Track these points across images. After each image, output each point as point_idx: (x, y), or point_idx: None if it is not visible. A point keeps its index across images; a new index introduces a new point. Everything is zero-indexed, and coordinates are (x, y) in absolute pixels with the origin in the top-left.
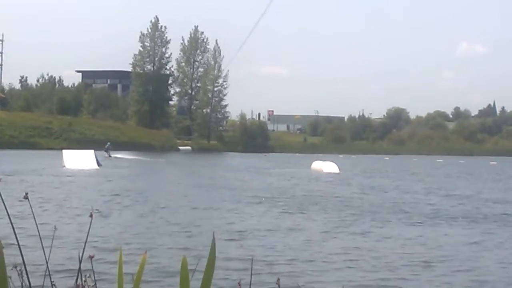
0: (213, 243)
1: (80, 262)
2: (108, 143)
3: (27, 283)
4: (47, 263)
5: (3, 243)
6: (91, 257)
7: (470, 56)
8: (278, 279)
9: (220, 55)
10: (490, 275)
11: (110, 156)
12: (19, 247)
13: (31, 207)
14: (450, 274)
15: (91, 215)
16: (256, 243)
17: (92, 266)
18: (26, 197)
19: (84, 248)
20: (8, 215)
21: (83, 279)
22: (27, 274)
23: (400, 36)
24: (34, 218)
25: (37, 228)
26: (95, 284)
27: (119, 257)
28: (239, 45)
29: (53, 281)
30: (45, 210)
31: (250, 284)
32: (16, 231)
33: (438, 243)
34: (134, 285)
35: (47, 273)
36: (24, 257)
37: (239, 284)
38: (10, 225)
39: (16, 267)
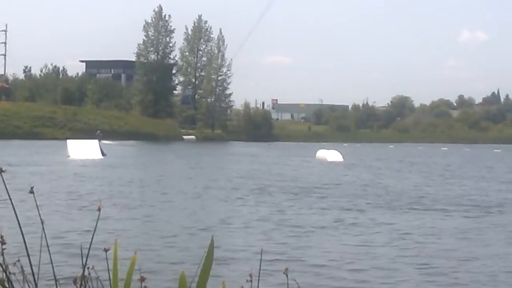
0: (211, 246)
1: (87, 255)
2: (98, 131)
3: (32, 281)
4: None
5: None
6: (85, 246)
7: (472, 44)
8: (286, 269)
9: (224, 44)
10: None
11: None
12: (25, 243)
13: (35, 201)
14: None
15: (99, 209)
16: (261, 236)
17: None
18: (31, 192)
19: (91, 242)
20: (14, 209)
21: (87, 272)
22: (32, 273)
23: (402, 24)
24: (39, 211)
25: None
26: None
27: (114, 250)
28: (245, 36)
29: (57, 278)
30: (47, 202)
31: (259, 275)
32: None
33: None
34: (124, 286)
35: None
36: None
37: (250, 275)
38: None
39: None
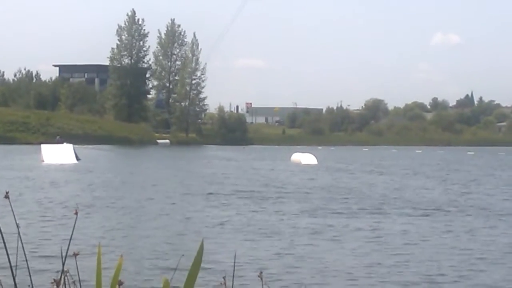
0: (201, 249)
1: (64, 259)
2: (58, 136)
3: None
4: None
5: None
6: (75, 255)
7: (445, 47)
8: (261, 273)
9: (197, 48)
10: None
11: None
12: (6, 249)
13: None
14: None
15: (76, 212)
16: (238, 240)
17: (76, 264)
18: (7, 197)
19: (68, 246)
20: None
21: (64, 276)
22: (12, 274)
23: (376, 27)
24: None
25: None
26: (79, 281)
27: (98, 253)
28: (217, 38)
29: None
30: (23, 207)
31: (233, 277)
32: None
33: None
34: None
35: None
36: None
37: (223, 278)
38: None
39: None
